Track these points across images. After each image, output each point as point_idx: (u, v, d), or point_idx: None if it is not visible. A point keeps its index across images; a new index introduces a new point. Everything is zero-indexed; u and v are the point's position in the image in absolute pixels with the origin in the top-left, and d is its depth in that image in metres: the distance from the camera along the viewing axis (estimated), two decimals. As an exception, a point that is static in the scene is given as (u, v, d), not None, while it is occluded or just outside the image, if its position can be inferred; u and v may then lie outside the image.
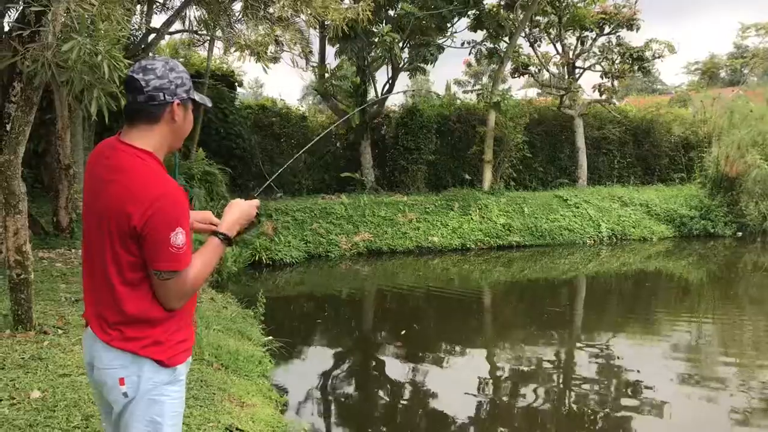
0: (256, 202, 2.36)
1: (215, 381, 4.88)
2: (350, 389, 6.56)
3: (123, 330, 2.03)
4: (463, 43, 17.39)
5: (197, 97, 2.21)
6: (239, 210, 2.30)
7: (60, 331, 5.39)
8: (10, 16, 8.04)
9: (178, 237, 1.98)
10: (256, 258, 12.63)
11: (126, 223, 1.95)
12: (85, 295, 2.16)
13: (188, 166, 13.16)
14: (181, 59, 16.33)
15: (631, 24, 17.77)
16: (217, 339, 6.05)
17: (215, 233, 2.22)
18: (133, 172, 2.00)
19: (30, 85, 5.26)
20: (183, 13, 11.42)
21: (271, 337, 7.11)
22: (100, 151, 2.13)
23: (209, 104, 2.31)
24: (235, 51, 13.58)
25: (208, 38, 13.49)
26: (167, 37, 12.89)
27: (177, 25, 11.60)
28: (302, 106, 23.23)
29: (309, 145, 3.91)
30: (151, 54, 13.94)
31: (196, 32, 12.42)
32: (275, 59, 16.39)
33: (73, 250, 9.30)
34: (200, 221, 2.41)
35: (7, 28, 7.79)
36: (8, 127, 6.23)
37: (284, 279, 12.22)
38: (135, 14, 11.11)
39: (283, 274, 12.43)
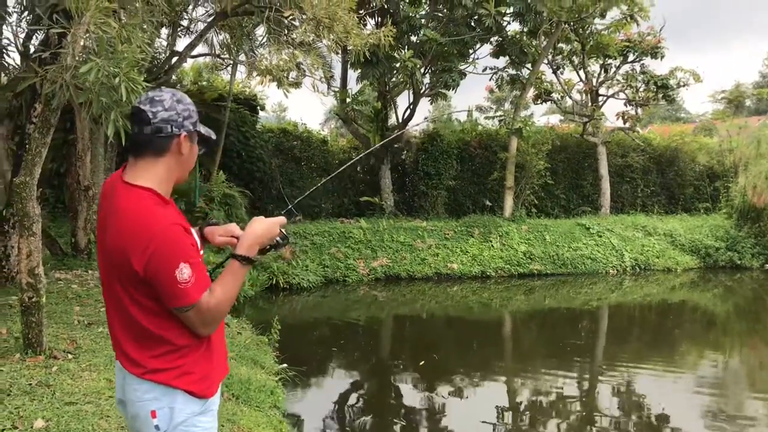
0: (281, 219, 2.25)
1: (225, 412, 4.74)
2: (366, 421, 6.37)
3: (152, 362, 2.01)
4: (485, 69, 17.33)
5: (203, 130, 2.17)
6: (261, 228, 2.18)
7: (70, 356, 5.30)
8: (36, 38, 8.13)
9: (183, 273, 1.91)
10: (273, 281, 12.53)
11: (129, 269, 1.92)
12: (110, 330, 2.13)
13: (208, 189, 13.17)
14: (204, 82, 16.49)
15: (655, 52, 17.59)
16: (229, 367, 5.91)
17: (234, 255, 2.13)
18: (126, 215, 1.95)
19: (48, 107, 5.23)
20: (206, 37, 11.51)
21: (285, 365, 6.97)
22: (107, 188, 2.10)
23: (214, 137, 2.24)
24: (257, 75, 13.67)
25: (231, 62, 13.57)
26: (191, 60, 13.00)
27: (200, 49, 11.70)
28: (323, 130, 23.28)
29: (336, 172, 3.80)
30: (174, 77, 14.06)
31: (218, 56, 12.51)
32: (297, 84, 16.48)
33: (90, 272, 9.26)
34: (223, 234, 2.36)
35: (32, 50, 7.88)
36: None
37: (301, 304, 12.10)
38: (160, 37, 11.22)
39: (300, 299, 12.30)
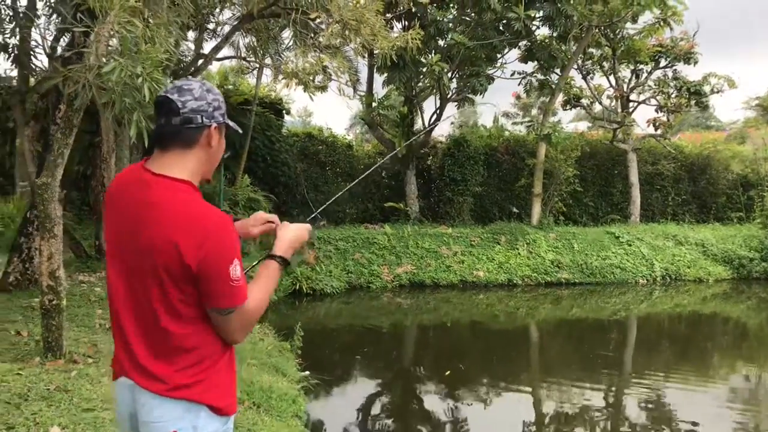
0: (308, 226, 2.19)
1: (245, 422, 4.60)
2: (389, 430, 6.21)
3: (177, 377, 1.83)
4: (513, 74, 17.11)
5: (231, 123, 2.02)
6: (294, 232, 2.13)
7: (90, 360, 5.21)
8: (64, 40, 8.14)
9: (236, 269, 1.80)
10: (297, 287, 12.42)
11: (177, 265, 1.76)
12: (119, 344, 1.92)
13: (233, 193, 13.12)
14: (230, 86, 16.49)
15: (688, 57, 17.21)
16: (251, 374, 5.79)
17: (271, 256, 2.03)
18: (178, 207, 1.81)
19: (71, 107, 5.17)
20: (232, 40, 11.47)
21: (307, 373, 6.83)
22: (128, 182, 1.92)
23: (240, 131, 2.09)
24: (282, 79, 13.61)
25: (257, 65, 13.53)
26: (217, 64, 12.99)
27: (226, 51, 11.65)
28: (348, 135, 23.21)
29: (360, 177, 3.67)
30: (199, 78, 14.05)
31: (244, 59, 12.46)
32: (323, 88, 16.42)
33: (113, 274, 9.21)
34: (255, 224, 2.26)
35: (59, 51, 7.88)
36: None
37: (324, 310, 11.97)
38: (186, 39, 11.20)
39: (323, 305, 12.17)
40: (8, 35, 8.48)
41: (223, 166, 12.49)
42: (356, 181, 3.87)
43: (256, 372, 6.03)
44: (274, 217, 2.21)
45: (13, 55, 8.52)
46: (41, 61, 8.93)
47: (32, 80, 9.21)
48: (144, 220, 1.81)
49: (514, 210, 17.32)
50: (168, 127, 1.87)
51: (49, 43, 8.14)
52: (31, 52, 8.67)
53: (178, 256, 1.75)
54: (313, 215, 2.87)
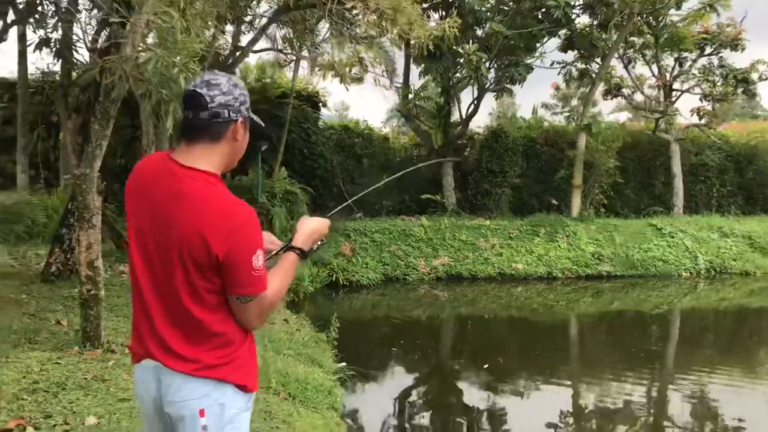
0: (327, 221, 2.27)
1: (280, 413, 4.58)
2: (427, 425, 6.14)
3: (207, 356, 1.92)
4: (552, 63, 16.82)
5: (255, 117, 2.07)
6: (312, 225, 2.21)
7: (127, 350, 5.24)
8: (105, 34, 8.23)
9: (259, 259, 1.90)
10: (333, 278, 12.43)
11: (205, 254, 1.84)
12: (144, 327, 1.98)
13: (270, 185, 13.17)
14: (268, 79, 16.55)
15: (735, 44, 16.62)
16: (286, 365, 5.78)
17: (291, 248, 2.13)
18: (207, 199, 1.88)
19: (108, 99, 5.20)
20: (269, 32, 11.48)
21: (343, 364, 6.80)
22: (155, 173, 1.96)
23: (263, 125, 2.14)
24: (319, 71, 13.58)
25: (294, 58, 13.53)
26: (255, 57, 13.02)
27: (263, 44, 11.68)
28: (385, 128, 23.13)
29: (399, 174, 3.57)
30: (238, 72, 14.15)
31: (281, 51, 12.47)
32: (359, 80, 16.36)
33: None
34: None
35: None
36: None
37: (360, 301, 11.95)
38: (224, 33, 11.25)
39: (360, 297, 12.15)
40: (50, 30, 8.64)
41: (260, 159, 12.53)
42: (393, 176, 3.80)
43: (293, 362, 6.02)
44: (278, 243, 2.25)
45: (55, 49, 8.68)
46: (82, 55, 9.09)
47: (74, 75, 9.38)
48: (173, 211, 1.88)
49: (554, 202, 17.03)
50: (196, 120, 1.92)
51: (90, 37, 8.25)
52: (73, 47, 8.82)
53: (206, 246, 1.83)
54: (343, 204, 2.86)
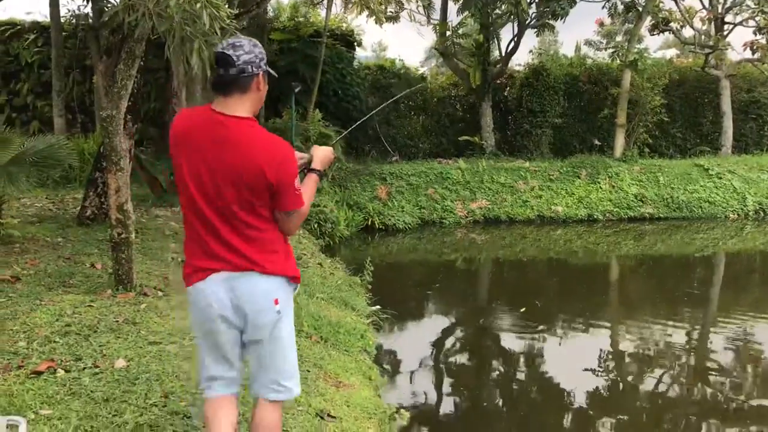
0: (331, 148, 2.79)
1: (312, 356, 4.53)
2: (461, 368, 6.05)
3: (270, 257, 2.42)
4: (596, -4, 16.00)
5: (271, 70, 2.53)
6: (324, 152, 2.76)
7: (160, 293, 5.24)
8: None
9: (298, 181, 2.44)
10: (369, 222, 12.35)
11: (262, 181, 2.32)
12: (212, 245, 2.40)
13: (305, 128, 12.99)
14: (301, 18, 16.16)
15: (794, -29, 15.59)
16: (319, 308, 5.72)
17: (312, 170, 2.69)
18: (257, 138, 2.37)
19: (131, 37, 5.04)
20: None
21: (377, 307, 6.74)
22: (201, 123, 2.39)
23: (275, 75, 2.58)
24: (353, 8, 13.18)
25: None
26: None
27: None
28: (422, 67, 22.58)
29: (394, 98, 3.40)
30: (271, 11, 13.83)
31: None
32: (394, 18, 15.86)
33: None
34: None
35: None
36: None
37: (396, 245, 11.85)
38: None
39: (395, 240, 12.06)
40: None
41: (294, 100, 12.33)
42: (389, 101, 3.62)
43: (325, 306, 5.96)
44: (311, 157, 2.76)
45: (84, -10, 8.52)
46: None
47: (105, 17, 9.23)
48: (227, 151, 2.33)
49: (596, 142, 16.52)
50: (227, 76, 2.37)
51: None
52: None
53: (263, 175, 2.31)
54: (344, 134, 3.83)
